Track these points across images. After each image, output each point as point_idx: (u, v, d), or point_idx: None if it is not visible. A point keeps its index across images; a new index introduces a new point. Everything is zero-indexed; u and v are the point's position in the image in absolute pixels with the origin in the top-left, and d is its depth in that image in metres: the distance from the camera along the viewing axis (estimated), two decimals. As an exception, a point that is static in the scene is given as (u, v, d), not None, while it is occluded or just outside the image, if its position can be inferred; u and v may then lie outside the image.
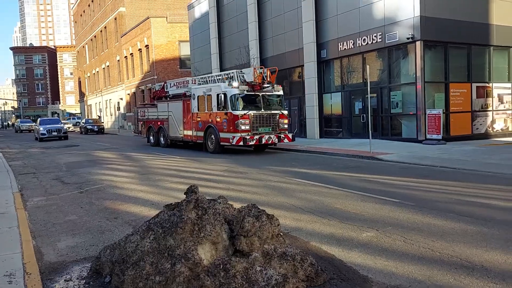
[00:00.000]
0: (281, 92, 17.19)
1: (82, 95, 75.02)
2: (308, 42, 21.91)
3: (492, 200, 7.36)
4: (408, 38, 16.89)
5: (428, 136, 16.87)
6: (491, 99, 19.19)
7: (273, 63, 23.27)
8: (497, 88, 19.45)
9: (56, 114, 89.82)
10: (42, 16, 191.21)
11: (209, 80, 18.43)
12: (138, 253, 4.04)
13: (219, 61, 30.19)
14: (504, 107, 19.77)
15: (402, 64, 18.21)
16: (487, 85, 19.13)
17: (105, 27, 57.06)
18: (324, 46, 21.49)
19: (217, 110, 16.54)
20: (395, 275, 4.21)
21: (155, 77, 41.56)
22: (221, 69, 29.29)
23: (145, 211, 7.23)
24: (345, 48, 20.13)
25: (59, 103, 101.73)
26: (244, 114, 15.84)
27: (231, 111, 15.92)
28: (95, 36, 62.62)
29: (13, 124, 77.65)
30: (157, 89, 23.39)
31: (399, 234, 5.46)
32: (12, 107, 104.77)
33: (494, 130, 19.38)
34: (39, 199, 8.70)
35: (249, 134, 15.81)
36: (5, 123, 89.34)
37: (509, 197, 7.58)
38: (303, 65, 22.63)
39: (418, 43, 16.78)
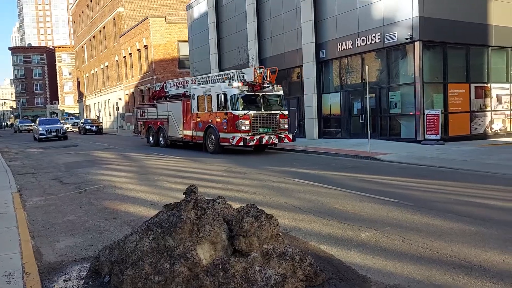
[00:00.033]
0: (281, 92, 17.17)
1: (80, 95, 74.94)
2: (307, 43, 21.92)
3: (491, 200, 7.38)
4: (406, 39, 16.91)
5: (427, 136, 16.90)
6: (489, 99, 19.22)
7: (272, 63, 23.26)
8: (496, 89, 19.48)
9: (55, 114, 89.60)
10: (40, 16, 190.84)
11: (209, 80, 18.40)
12: (137, 253, 4.04)
13: (218, 61, 30.18)
14: (503, 107, 19.80)
15: (401, 64, 18.23)
16: (486, 85, 19.16)
17: (104, 27, 57.00)
18: (323, 46, 21.50)
19: (217, 110, 16.51)
20: (393, 275, 4.22)
21: (154, 77, 41.54)
22: (220, 69, 29.29)
23: (144, 211, 7.23)
24: (344, 49, 20.15)
25: (58, 103, 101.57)
26: (244, 114, 15.81)
27: (231, 111, 15.90)
28: (94, 36, 62.55)
29: (11, 124, 77.51)
30: (156, 89, 23.33)
31: (397, 234, 5.47)
32: (11, 107, 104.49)
33: (493, 130, 19.41)
34: (38, 199, 8.69)
35: (249, 134, 15.78)
36: (3, 123, 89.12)
37: (507, 197, 7.60)
38: (302, 65, 22.63)
39: (416, 43, 16.81)
